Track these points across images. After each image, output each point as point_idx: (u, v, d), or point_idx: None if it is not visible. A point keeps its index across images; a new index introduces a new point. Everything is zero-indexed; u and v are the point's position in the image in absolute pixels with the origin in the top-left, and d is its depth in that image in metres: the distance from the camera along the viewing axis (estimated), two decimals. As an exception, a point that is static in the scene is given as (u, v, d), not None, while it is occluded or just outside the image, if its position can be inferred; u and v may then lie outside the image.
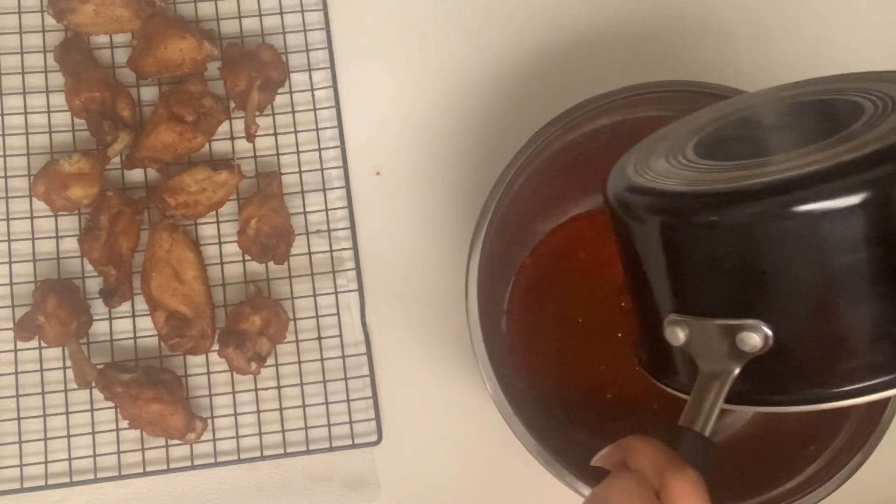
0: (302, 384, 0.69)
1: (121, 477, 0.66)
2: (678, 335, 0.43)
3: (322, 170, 0.71)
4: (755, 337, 0.41)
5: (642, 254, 0.45)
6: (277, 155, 0.71)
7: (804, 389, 0.42)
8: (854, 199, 0.38)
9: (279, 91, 0.71)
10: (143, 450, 0.67)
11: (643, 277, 0.46)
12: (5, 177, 0.69)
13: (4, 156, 0.69)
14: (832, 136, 0.42)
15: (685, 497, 0.38)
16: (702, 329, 0.43)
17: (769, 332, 0.40)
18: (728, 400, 0.43)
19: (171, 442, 0.66)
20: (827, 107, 0.46)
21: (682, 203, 0.42)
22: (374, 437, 0.68)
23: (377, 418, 0.68)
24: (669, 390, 0.47)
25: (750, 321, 0.41)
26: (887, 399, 0.42)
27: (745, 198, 0.40)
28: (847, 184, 0.38)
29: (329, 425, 0.68)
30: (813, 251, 0.39)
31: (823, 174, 0.38)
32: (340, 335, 0.69)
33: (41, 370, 0.67)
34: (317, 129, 0.72)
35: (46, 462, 0.66)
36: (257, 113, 0.70)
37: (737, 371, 0.42)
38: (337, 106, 0.72)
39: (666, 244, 0.44)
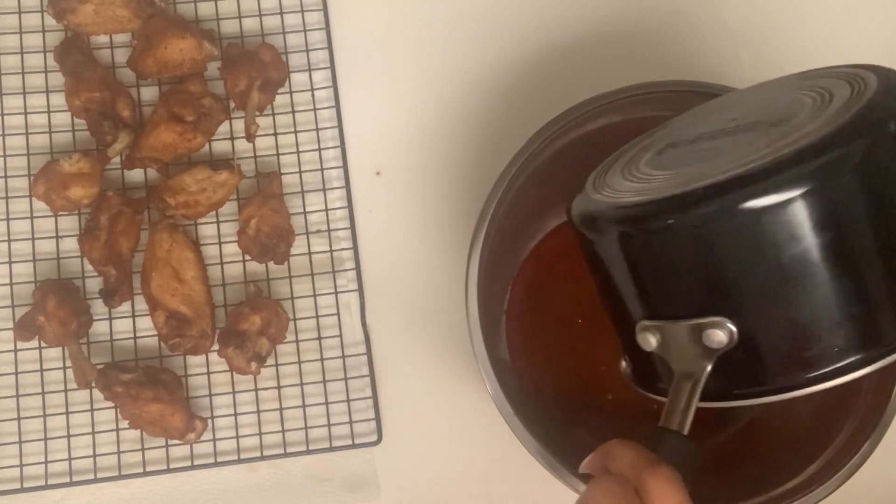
0: (302, 384, 0.69)
1: (121, 477, 0.66)
2: (650, 341, 0.45)
3: (322, 170, 0.71)
4: (720, 333, 0.42)
5: (608, 266, 0.47)
6: (277, 155, 0.71)
7: (774, 379, 0.43)
8: (792, 192, 0.39)
9: (279, 91, 0.71)
10: (143, 450, 0.67)
11: (613, 290, 0.48)
12: (5, 177, 0.69)
13: (4, 156, 0.69)
14: (774, 134, 0.43)
15: (662, 494, 0.39)
16: (671, 332, 0.44)
17: (733, 328, 0.42)
18: (705, 397, 0.44)
19: (171, 442, 0.66)
20: (772, 107, 0.48)
21: (635, 212, 0.44)
22: (374, 437, 0.68)
23: (377, 418, 0.68)
24: (655, 397, 0.48)
25: (714, 319, 0.42)
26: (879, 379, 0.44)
27: (688, 201, 0.41)
28: (783, 178, 0.39)
29: (329, 425, 0.68)
30: (762, 244, 0.41)
31: (761, 171, 0.40)
32: (340, 335, 0.69)
33: (41, 370, 0.67)
34: (317, 129, 0.72)
35: (46, 462, 0.66)
36: (257, 113, 0.70)
37: (708, 368, 0.43)
38: (337, 106, 0.72)
39: (627, 253, 0.45)
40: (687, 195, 0.41)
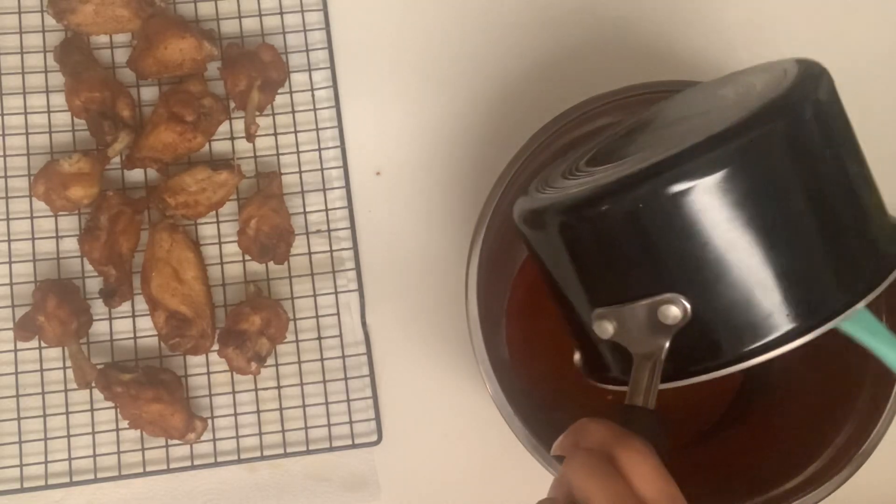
0: (302, 384, 0.69)
1: (121, 477, 0.66)
2: (607, 328, 0.46)
3: (322, 170, 0.71)
4: (674, 309, 0.43)
5: (555, 262, 0.48)
6: (277, 155, 0.71)
7: (729, 351, 0.44)
8: (707, 174, 0.42)
9: (279, 91, 0.71)
10: (143, 450, 0.67)
11: (563, 285, 0.49)
12: (5, 177, 0.69)
13: (4, 156, 0.69)
14: (699, 123, 0.46)
15: (635, 464, 0.40)
16: (626, 315, 0.45)
17: (686, 303, 0.43)
18: (668, 378, 0.45)
19: (171, 442, 0.66)
20: (700, 103, 0.51)
21: (572, 201, 0.46)
22: (374, 437, 0.68)
23: (377, 418, 0.68)
24: (606, 387, 0.49)
25: (666, 295, 0.43)
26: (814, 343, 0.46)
27: (618, 187, 0.43)
28: (699, 161, 0.42)
29: (329, 425, 0.68)
30: (694, 221, 0.42)
31: (679, 155, 0.42)
32: (340, 335, 0.69)
33: (41, 370, 0.67)
34: (317, 129, 0.72)
35: (46, 462, 0.66)
36: (257, 113, 0.70)
37: (666, 346, 0.44)
38: (337, 106, 0.72)
39: (569, 245, 0.47)
40: (617, 182, 0.43)
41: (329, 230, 0.71)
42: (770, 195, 0.43)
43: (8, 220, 0.69)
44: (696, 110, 0.50)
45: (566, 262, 0.47)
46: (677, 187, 0.42)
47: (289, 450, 0.67)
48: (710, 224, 0.42)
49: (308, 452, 0.67)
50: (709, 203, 0.42)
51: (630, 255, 0.45)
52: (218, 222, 0.70)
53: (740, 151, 0.42)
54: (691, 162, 0.42)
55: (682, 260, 0.44)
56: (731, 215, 0.42)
